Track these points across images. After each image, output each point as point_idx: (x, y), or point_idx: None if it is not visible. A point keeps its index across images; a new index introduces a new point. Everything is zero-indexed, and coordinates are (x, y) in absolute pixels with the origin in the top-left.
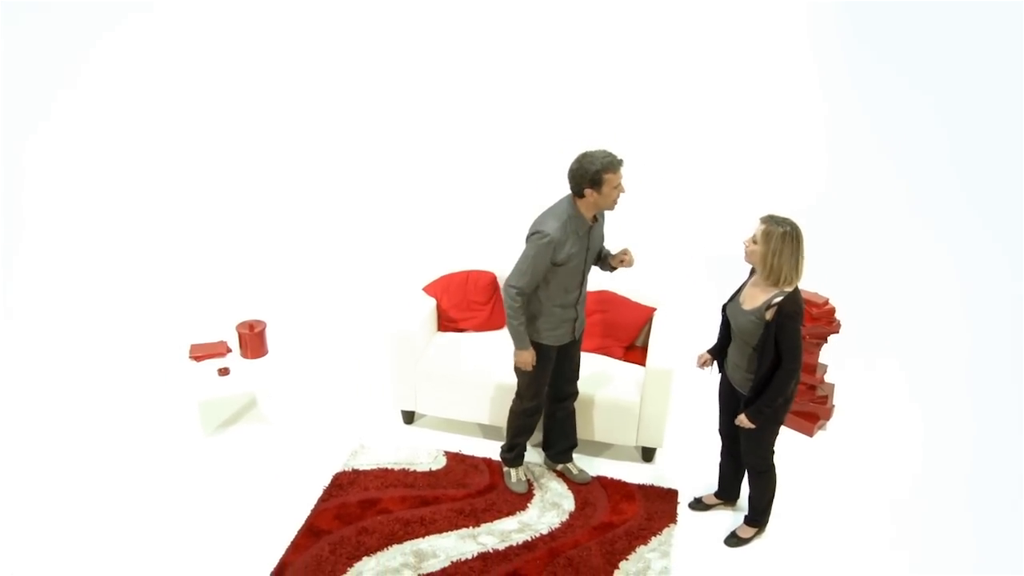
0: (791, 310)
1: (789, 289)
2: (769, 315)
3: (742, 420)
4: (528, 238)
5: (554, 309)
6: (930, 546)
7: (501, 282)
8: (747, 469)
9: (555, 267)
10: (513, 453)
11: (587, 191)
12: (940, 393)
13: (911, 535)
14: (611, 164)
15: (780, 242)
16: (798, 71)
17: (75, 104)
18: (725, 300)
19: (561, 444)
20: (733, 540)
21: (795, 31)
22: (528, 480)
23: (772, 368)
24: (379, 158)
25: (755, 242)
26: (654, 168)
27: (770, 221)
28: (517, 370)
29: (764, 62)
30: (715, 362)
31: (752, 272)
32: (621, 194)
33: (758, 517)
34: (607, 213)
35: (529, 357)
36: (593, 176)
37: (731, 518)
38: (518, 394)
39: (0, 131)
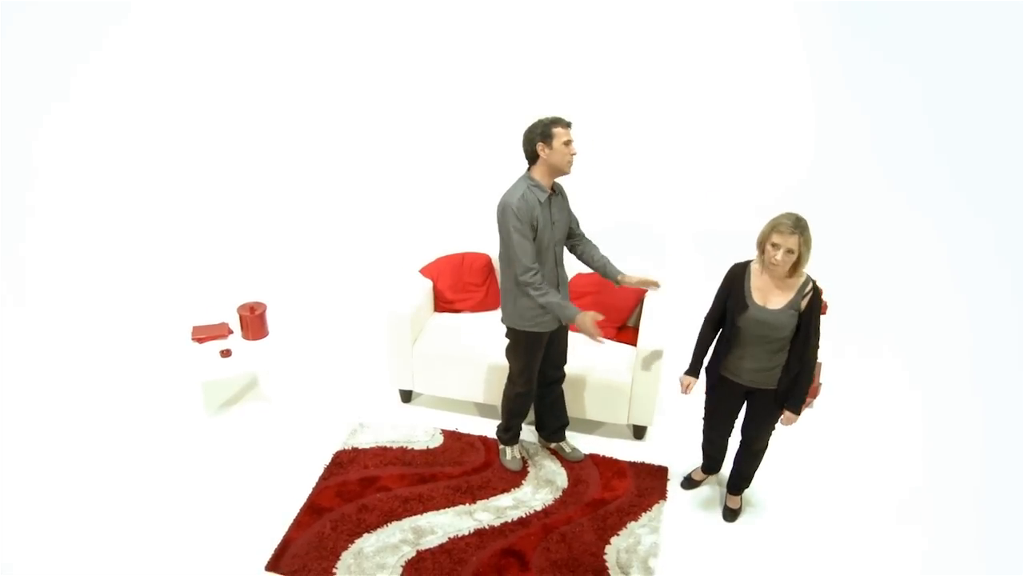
0: (819, 294)
1: (806, 275)
2: (804, 304)
3: (790, 419)
4: (499, 218)
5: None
6: (916, 520)
7: (495, 264)
8: (747, 448)
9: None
10: (509, 433)
11: (539, 146)
12: (925, 371)
13: (898, 509)
14: (559, 119)
15: (811, 240)
16: (786, 50)
17: (81, 91)
18: (722, 312)
19: (553, 424)
20: (731, 515)
21: (784, 11)
22: (523, 458)
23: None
24: (375, 143)
25: (791, 253)
26: (643, 150)
27: (798, 229)
28: (508, 356)
29: (751, 40)
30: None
31: (743, 276)
32: (574, 155)
33: (746, 485)
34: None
35: (589, 320)
36: (543, 130)
37: (719, 495)
38: (510, 379)
39: (8, 114)
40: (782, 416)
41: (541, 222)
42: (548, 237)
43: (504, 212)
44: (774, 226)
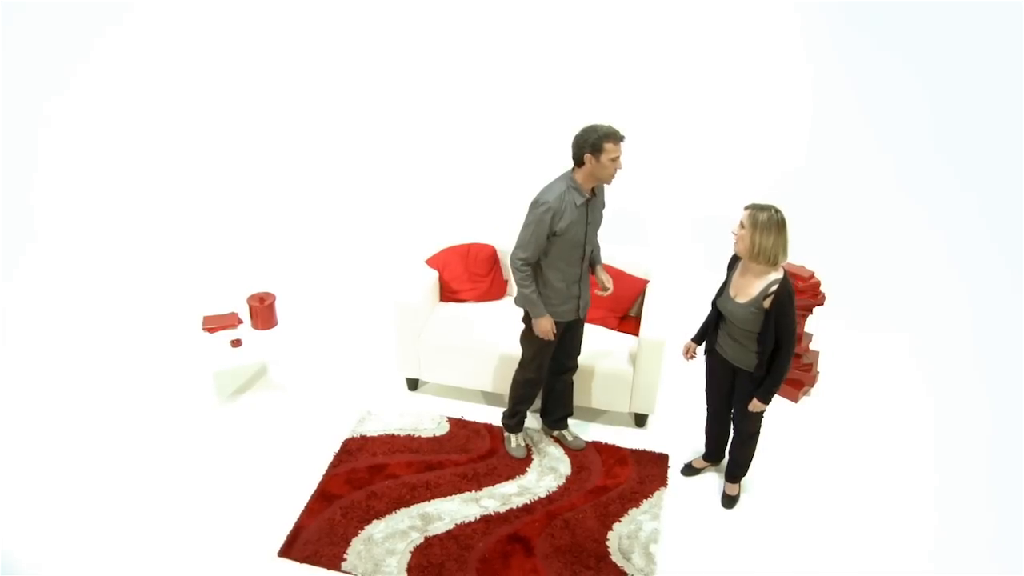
0: (787, 296)
1: (779, 275)
2: (768, 303)
3: (757, 406)
4: (529, 208)
5: (558, 284)
6: (910, 505)
7: (500, 255)
8: (738, 434)
9: (555, 237)
10: (514, 420)
11: (587, 157)
12: (924, 359)
13: (892, 494)
14: (613, 134)
15: (765, 226)
16: (782, 41)
17: (91, 83)
18: (714, 294)
19: (558, 413)
20: (728, 501)
21: (781, 4)
22: (527, 446)
23: (774, 349)
24: (383, 136)
25: (743, 226)
26: (645, 140)
27: (753, 208)
28: (522, 341)
29: (748, 32)
30: (699, 346)
31: (734, 265)
32: (618, 169)
33: (742, 473)
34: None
35: (548, 324)
36: (595, 142)
37: (718, 482)
38: (521, 364)
39: (23, 109)
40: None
41: (572, 222)
42: (578, 236)
43: (534, 207)
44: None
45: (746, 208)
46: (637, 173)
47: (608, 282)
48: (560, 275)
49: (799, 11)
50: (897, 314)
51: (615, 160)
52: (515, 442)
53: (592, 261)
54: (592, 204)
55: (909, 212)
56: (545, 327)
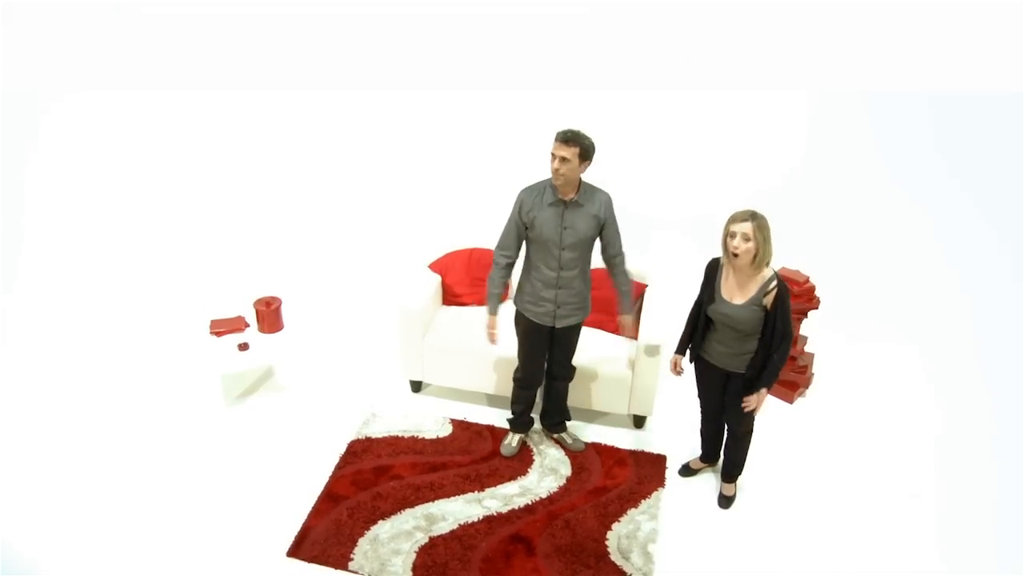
0: (785, 292)
1: (771, 272)
2: (768, 301)
3: (749, 401)
4: None
5: (535, 283)
6: (905, 505)
7: None
8: (732, 434)
9: (529, 232)
10: (512, 418)
11: None
12: (913, 360)
13: (886, 494)
14: (557, 134)
15: (768, 232)
16: (779, 44)
17: (98, 86)
18: (697, 304)
19: (554, 417)
20: (725, 501)
21: (778, 6)
22: (520, 447)
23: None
24: (385, 141)
25: (748, 240)
26: (643, 148)
27: (752, 217)
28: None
29: (745, 32)
30: (685, 356)
31: (716, 271)
32: (557, 169)
33: (738, 472)
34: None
35: (488, 323)
36: None
37: (715, 483)
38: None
39: (28, 107)
40: (745, 399)
41: (541, 219)
42: (549, 236)
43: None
44: (731, 218)
45: (743, 220)
46: (635, 177)
47: (627, 329)
48: (537, 274)
49: (797, 13)
50: (891, 316)
51: (553, 158)
52: (508, 439)
53: (620, 304)
54: (572, 211)
55: (904, 215)
56: (487, 323)
